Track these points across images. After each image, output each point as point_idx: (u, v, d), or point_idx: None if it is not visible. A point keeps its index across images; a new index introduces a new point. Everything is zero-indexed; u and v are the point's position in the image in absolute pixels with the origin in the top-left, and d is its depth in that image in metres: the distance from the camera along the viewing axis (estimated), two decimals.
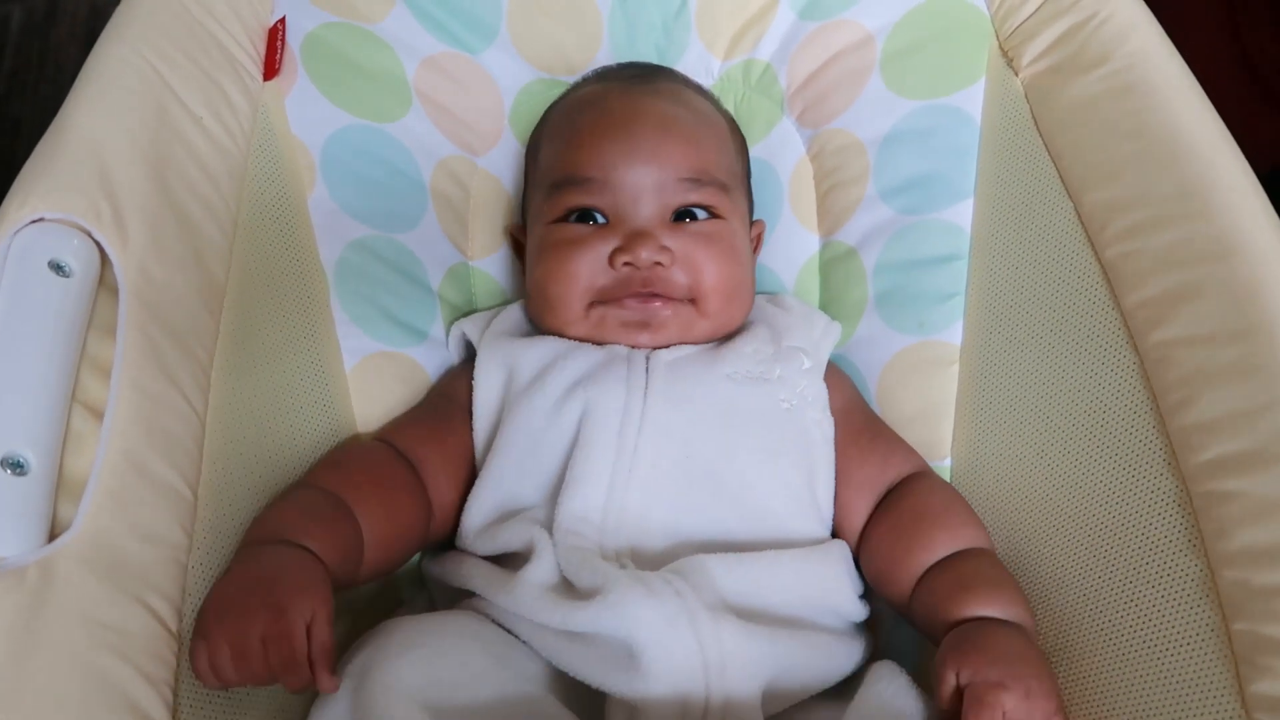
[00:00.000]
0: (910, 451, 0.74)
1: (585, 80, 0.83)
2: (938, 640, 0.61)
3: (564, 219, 0.73)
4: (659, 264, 0.70)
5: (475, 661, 0.55)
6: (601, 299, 0.72)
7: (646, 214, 0.71)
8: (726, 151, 0.77)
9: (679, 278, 0.71)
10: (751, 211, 0.82)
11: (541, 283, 0.74)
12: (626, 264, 0.70)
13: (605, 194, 0.72)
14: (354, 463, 0.67)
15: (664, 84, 0.78)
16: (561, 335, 0.73)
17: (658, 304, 0.71)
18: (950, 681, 0.56)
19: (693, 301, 0.72)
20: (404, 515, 0.66)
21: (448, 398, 0.75)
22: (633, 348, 0.71)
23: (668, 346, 0.72)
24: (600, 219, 0.73)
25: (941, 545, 0.65)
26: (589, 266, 0.71)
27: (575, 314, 0.72)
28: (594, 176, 0.72)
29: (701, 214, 0.73)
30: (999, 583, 0.63)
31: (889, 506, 0.70)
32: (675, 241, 0.71)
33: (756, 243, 0.82)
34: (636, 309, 0.71)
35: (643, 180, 0.71)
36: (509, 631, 0.59)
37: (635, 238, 0.70)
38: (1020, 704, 0.53)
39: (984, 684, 0.54)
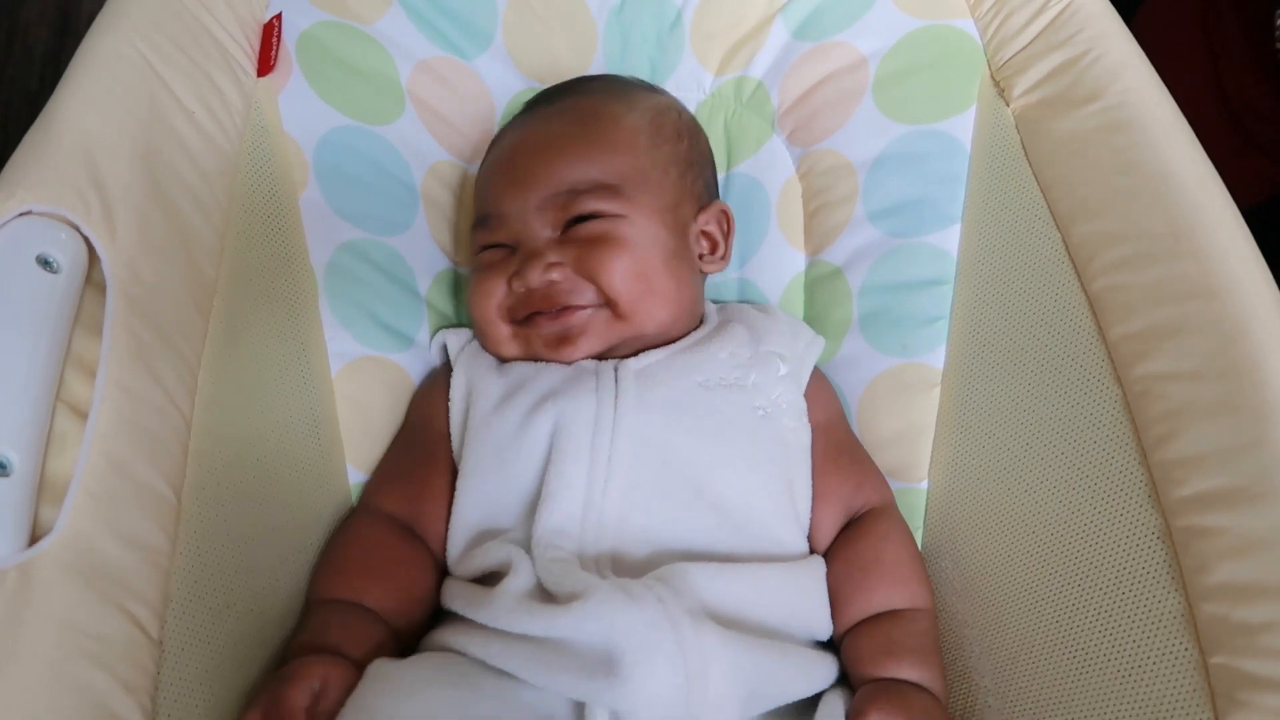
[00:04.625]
0: (882, 482, 0.75)
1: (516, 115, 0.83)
2: (854, 681, 0.64)
3: (481, 251, 0.76)
4: (552, 280, 0.71)
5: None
6: (514, 318, 0.73)
7: (537, 235, 0.72)
8: (624, 150, 0.74)
9: (580, 286, 0.71)
10: (698, 198, 0.79)
11: (469, 309, 0.76)
12: (521, 287, 0.71)
13: (502, 227, 0.74)
14: (351, 563, 0.67)
15: (568, 99, 0.78)
16: (499, 355, 0.75)
17: (570, 315, 0.71)
18: None
19: (606, 305, 0.72)
20: (414, 584, 0.67)
21: (427, 426, 0.75)
22: (593, 360, 0.71)
23: (634, 353, 0.72)
24: (510, 247, 0.74)
25: (880, 600, 0.67)
26: (497, 290, 0.73)
27: (501, 335, 0.74)
28: (490, 213, 0.75)
29: (592, 218, 0.72)
30: (922, 652, 0.65)
31: (845, 545, 0.71)
32: (564, 253, 0.71)
33: (726, 223, 0.80)
34: (550, 324, 0.71)
35: (523, 205, 0.73)
36: (480, 662, 0.58)
37: (524, 260, 0.71)
38: None
39: None
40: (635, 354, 0.72)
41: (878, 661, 0.64)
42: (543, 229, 0.72)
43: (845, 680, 0.65)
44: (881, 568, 0.68)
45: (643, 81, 0.85)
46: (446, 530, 0.69)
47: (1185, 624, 0.54)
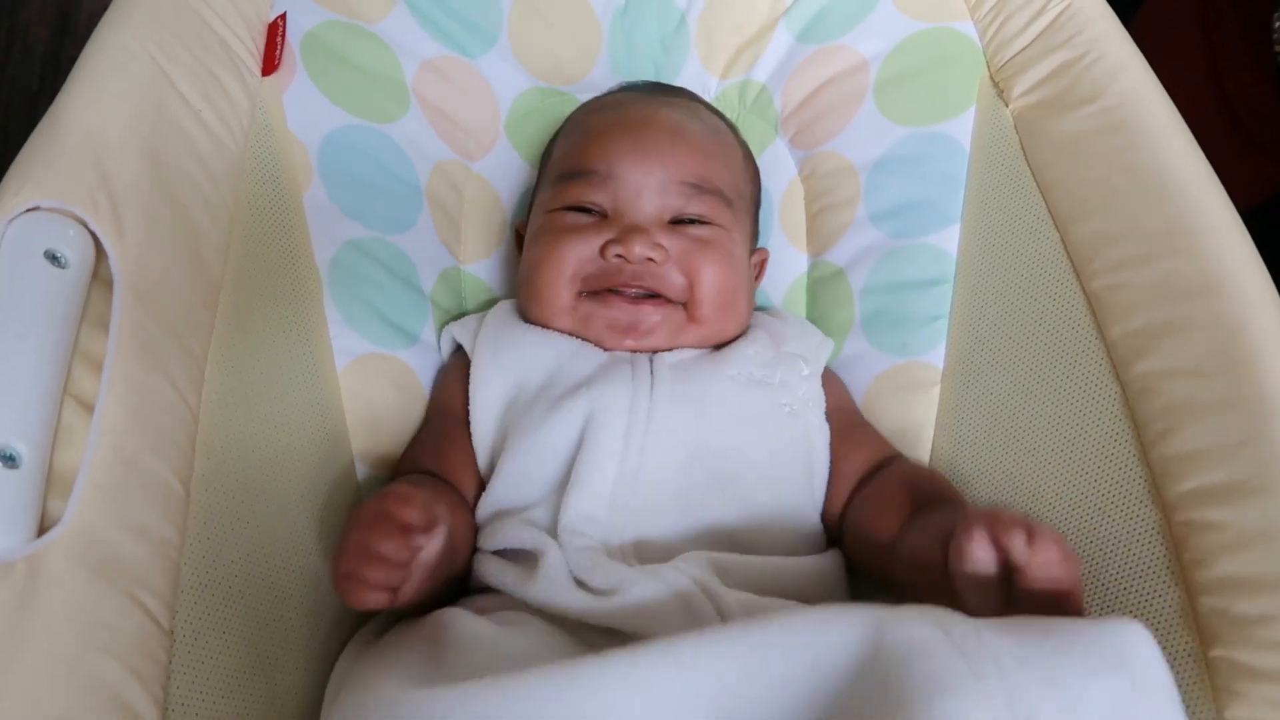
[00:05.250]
0: (895, 450, 0.75)
1: (610, 91, 0.85)
2: (918, 578, 0.59)
3: (565, 209, 0.74)
4: (652, 260, 0.71)
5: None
6: (588, 288, 0.72)
7: (646, 211, 0.72)
8: (735, 170, 0.78)
9: (674, 277, 0.72)
10: (756, 239, 0.83)
11: (532, 268, 0.75)
12: (618, 255, 0.71)
13: (607, 188, 0.73)
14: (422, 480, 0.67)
15: (683, 99, 0.81)
16: (547, 327, 0.74)
17: (648, 308, 0.71)
18: (1021, 525, 0.50)
19: (685, 305, 0.73)
20: (465, 520, 0.67)
21: (444, 412, 0.75)
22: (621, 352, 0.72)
23: (670, 349, 0.72)
24: (599, 214, 0.73)
25: (937, 495, 0.66)
26: (579, 254, 0.72)
27: (562, 303, 0.73)
28: (599, 170, 0.73)
29: (701, 223, 0.74)
30: None
31: (875, 477, 0.71)
32: (671, 241, 0.72)
33: (759, 269, 0.83)
34: (625, 310, 0.71)
35: (646, 178, 0.72)
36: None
37: (630, 231, 0.71)
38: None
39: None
40: (669, 349, 0.72)
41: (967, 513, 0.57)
42: (653, 208, 0.72)
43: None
44: (923, 479, 0.69)
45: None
46: (474, 500, 0.70)
47: (1185, 617, 0.55)
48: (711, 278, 0.72)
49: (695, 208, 0.73)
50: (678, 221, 0.73)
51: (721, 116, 0.84)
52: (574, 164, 0.75)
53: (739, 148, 0.81)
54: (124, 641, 0.47)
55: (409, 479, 0.64)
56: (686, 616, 0.55)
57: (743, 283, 0.76)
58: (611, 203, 0.73)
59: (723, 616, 0.55)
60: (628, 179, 0.72)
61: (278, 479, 0.63)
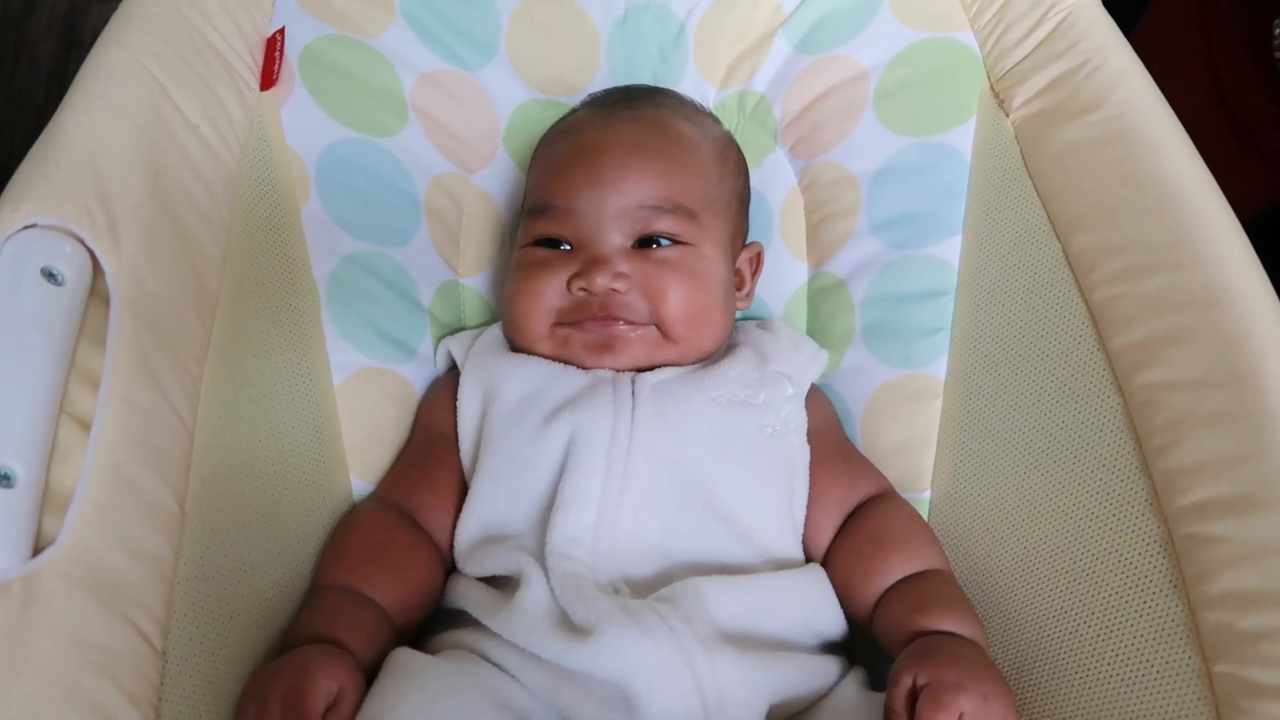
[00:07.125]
0: (877, 474, 0.75)
1: (579, 105, 0.84)
2: (891, 655, 0.61)
3: (533, 244, 0.75)
4: (615, 290, 0.71)
5: (475, 710, 0.54)
6: (562, 320, 0.73)
7: (608, 241, 0.72)
8: (703, 177, 0.76)
9: (639, 303, 0.72)
10: (745, 235, 0.82)
11: (509, 301, 0.76)
12: (582, 289, 0.71)
13: (569, 222, 0.73)
14: (354, 548, 0.67)
15: (646, 109, 0.79)
16: (530, 353, 0.74)
17: (622, 325, 0.72)
18: (906, 684, 0.56)
19: (657, 326, 0.73)
20: (416, 572, 0.67)
21: (428, 429, 0.75)
22: (611, 371, 0.72)
23: (651, 369, 0.72)
24: (566, 246, 0.74)
25: (898, 568, 0.67)
26: (550, 288, 0.73)
27: (539, 332, 0.74)
28: (558, 205, 0.74)
29: (665, 241, 0.73)
30: (954, 602, 0.64)
31: (850, 529, 0.71)
32: (634, 267, 0.72)
33: (755, 264, 0.83)
34: (598, 331, 0.72)
35: (603, 208, 0.72)
36: (503, 670, 0.59)
37: (592, 264, 0.71)
38: (978, 706, 0.53)
39: (942, 684, 0.54)
40: (651, 369, 0.72)
41: (913, 615, 0.62)
42: (614, 236, 0.72)
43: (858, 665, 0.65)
44: (891, 539, 0.68)
45: (703, 106, 0.86)
46: (452, 524, 0.69)
47: (1188, 632, 0.54)
48: (676, 299, 0.72)
49: (658, 227, 0.73)
50: (643, 243, 0.73)
51: (694, 112, 0.82)
52: (537, 200, 0.76)
53: (710, 147, 0.79)
54: (117, 662, 0.47)
55: (306, 654, 0.57)
56: (663, 674, 0.55)
57: (715, 296, 0.75)
58: (575, 235, 0.73)
59: (700, 688, 0.55)
60: (586, 211, 0.73)
61: (273, 496, 0.63)
